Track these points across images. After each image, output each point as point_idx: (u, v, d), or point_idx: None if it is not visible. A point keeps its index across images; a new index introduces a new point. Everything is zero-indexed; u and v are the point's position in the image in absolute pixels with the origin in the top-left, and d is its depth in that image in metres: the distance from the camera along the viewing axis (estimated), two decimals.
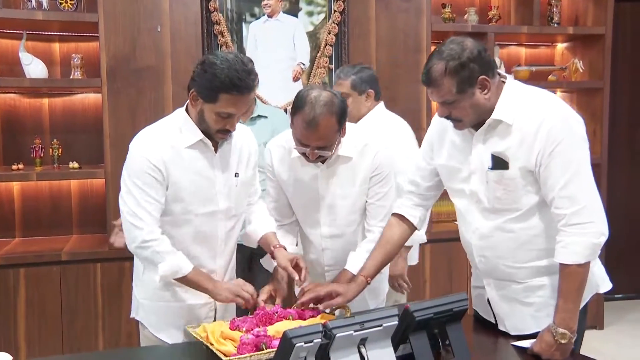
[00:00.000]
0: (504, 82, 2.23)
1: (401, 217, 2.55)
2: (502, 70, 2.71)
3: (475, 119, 2.21)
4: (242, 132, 2.56)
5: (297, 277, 2.45)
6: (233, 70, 2.22)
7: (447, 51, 2.13)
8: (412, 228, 2.57)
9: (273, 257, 2.57)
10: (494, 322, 2.43)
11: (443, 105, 2.20)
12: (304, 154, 2.47)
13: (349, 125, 2.56)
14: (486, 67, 2.15)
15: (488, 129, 2.21)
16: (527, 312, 2.31)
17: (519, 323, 2.33)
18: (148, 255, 2.35)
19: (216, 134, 2.36)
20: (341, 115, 2.42)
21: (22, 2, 3.92)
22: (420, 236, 3.12)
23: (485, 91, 2.16)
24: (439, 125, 2.42)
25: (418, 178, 2.54)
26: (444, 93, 2.15)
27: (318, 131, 2.38)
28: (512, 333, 2.34)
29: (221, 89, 2.24)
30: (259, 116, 3.43)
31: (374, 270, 2.52)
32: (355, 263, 2.58)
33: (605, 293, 2.45)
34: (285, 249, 2.57)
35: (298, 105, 2.40)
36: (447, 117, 2.23)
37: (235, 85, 2.23)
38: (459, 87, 2.13)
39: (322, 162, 2.55)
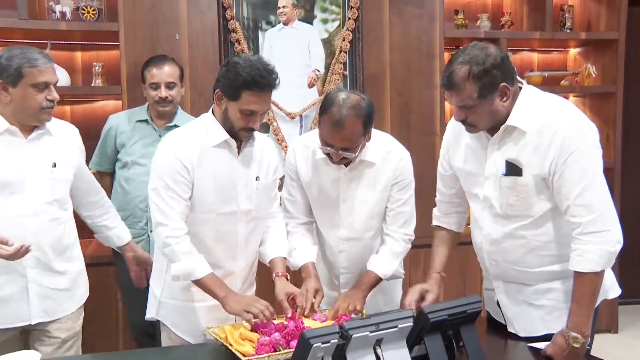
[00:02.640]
0: (521, 88, 2.23)
1: (440, 227, 2.61)
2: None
3: (489, 125, 2.22)
4: (263, 140, 2.62)
5: (289, 314, 2.40)
6: (255, 69, 2.29)
7: (471, 56, 2.13)
8: (455, 232, 2.61)
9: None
10: (504, 323, 2.44)
11: (461, 110, 2.20)
12: (328, 155, 2.49)
13: (374, 131, 2.57)
14: (507, 75, 2.16)
15: (503, 134, 2.22)
16: (536, 314, 2.32)
17: (528, 325, 2.34)
18: (168, 253, 2.39)
19: (240, 132, 2.41)
20: (367, 119, 2.43)
21: (47, 13, 3.98)
22: None
23: (505, 98, 2.16)
24: (454, 128, 2.43)
25: (441, 186, 2.58)
26: (465, 97, 2.15)
27: (343, 132, 2.39)
28: (522, 335, 2.35)
29: (244, 87, 2.30)
30: (176, 126, 3.36)
31: (442, 265, 2.57)
32: (378, 264, 2.61)
33: (620, 297, 2.45)
34: (287, 279, 2.55)
35: (326, 106, 2.43)
36: (463, 121, 2.24)
37: (256, 83, 2.29)
38: (480, 93, 2.13)
39: (346, 166, 2.57)
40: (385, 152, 2.61)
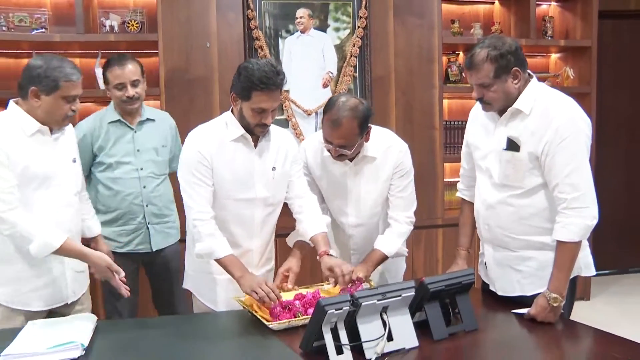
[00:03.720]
0: (530, 80, 2.27)
1: (463, 199, 2.63)
2: None
3: (503, 104, 2.26)
4: (281, 133, 2.59)
5: (277, 300, 2.22)
6: (262, 72, 2.29)
7: (489, 42, 2.21)
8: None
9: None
10: (488, 282, 2.47)
11: (479, 87, 2.25)
12: (329, 151, 2.49)
13: (374, 128, 2.56)
14: (520, 61, 2.22)
15: (510, 116, 2.26)
16: (514, 277, 2.35)
17: (506, 286, 2.38)
18: (195, 233, 2.40)
19: (255, 128, 2.40)
20: (363, 121, 2.41)
21: (98, 27, 4.00)
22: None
23: (516, 81, 2.21)
24: (475, 109, 2.47)
25: (464, 162, 2.59)
26: (482, 76, 2.21)
27: (340, 130, 2.39)
28: (499, 294, 2.40)
29: (253, 88, 2.30)
30: (148, 119, 3.12)
31: (469, 242, 2.58)
32: (384, 243, 2.60)
33: None
34: (330, 255, 2.47)
35: (327, 108, 2.43)
36: (480, 100, 2.28)
37: (264, 83, 2.28)
38: (496, 73, 2.19)
39: (351, 161, 2.56)
40: (385, 147, 2.59)
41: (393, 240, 2.61)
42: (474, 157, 2.47)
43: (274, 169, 2.51)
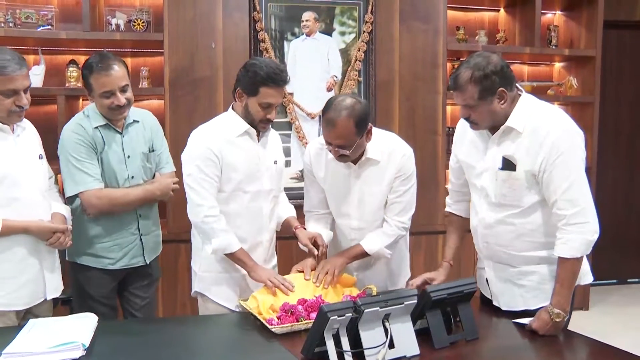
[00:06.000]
0: (520, 95, 2.24)
1: (451, 213, 2.62)
2: None
3: (489, 124, 2.24)
4: (274, 133, 2.71)
5: (316, 252, 2.52)
6: (270, 68, 2.39)
7: (474, 62, 2.16)
8: (464, 218, 2.57)
9: (295, 236, 2.64)
10: (490, 298, 2.45)
11: (464, 108, 2.22)
12: (330, 152, 2.50)
13: (378, 131, 2.57)
14: (506, 81, 2.17)
15: (502, 134, 2.23)
16: (517, 292, 2.33)
17: (509, 300, 2.36)
18: (207, 230, 2.43)
19: (259, 124, 2.48)
20: (360, 120, 2.39)
21: (104, 26, 4.00)
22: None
23: (502, 102, 2.18)
24: (462, 126, 2.44)
25: (452, 177, 2.58)
26: (467, 97, 2.18)
27: (336, 130, 2.39)
28: (504, 308, 2.37)
29: (261, 83, 2.39)
30: (134, 121, 2.75)
31: (452, 254, 2.56)
32: (367, 240, 2.59)
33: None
34: (305, 229, 2.65)
35: (325, 108, 2.45)
36: (466, 119, 2.26)
37: (272, 79, 2.38)
38: (480, 94, 2.15)
39: (354, 163, 2.56)
40: (389, 150, 2.58)
41: (377, 239, 2.58)
42: (467, 176, 2.43)
43: (275, 162, 2.61)
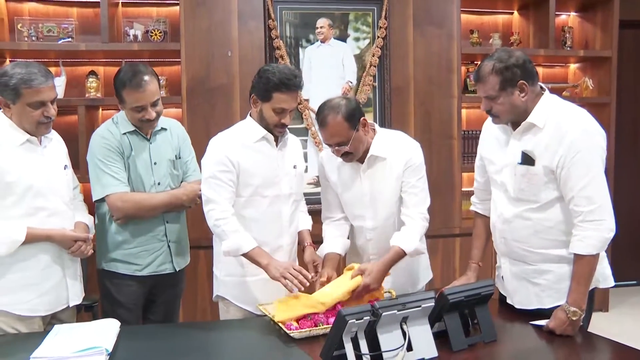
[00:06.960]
0: (543, 93, 2.27)
1: (476, 212, 2.63)
2: None
3: (510, 117, 2.27)
4: (295, 138, 2.72)
5: (309, 276, 2.40)
6: (282, 74, 2.41)
7: (497, 56, 2.23)
8: (489, 218, 2.52)
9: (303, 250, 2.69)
10: (504, 295, 2.47)
11: (486, 100, 2.26)
12: (334, 154, 2.55)
13: (384, 130, 2.64)
14: (527, 74, 2.22)
15: (524, 130, 2.26)
16: (532, 290, 2.34)
17: (524, 299, 2.37)
18: (219, 232, 2.46)
19: (275, 129, 2.51)
20: (349, 113, 2.44)
21: (123, 37, 4.06)
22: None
23: (523, 94, 2.21)
24: (488, 126, 2.48)
25: (477, 175, 2.59)
26: (488, 88, 2.23)
27: (329, 129, 2.46)
28: (517, 307, 2.38)
29: (274, 89, 2.41)
30: (162, 129, 2.79)
31: (480, 255, 2.57)
32: (401, 240, 2.52)
33: None
34: (315, 248, 2.67)
35: (317, 114, 2.52)
36: (488, 112, 2.30)
37: (284, 84, 2.40)
38: (501, 85, 2.20)
39: (361, 162, 2.59)
40: (394, 146, 2.61)
41: (408, 237, 2.53)
42: (488, 171, 2.46)
43: (294, 167, 2.63)
